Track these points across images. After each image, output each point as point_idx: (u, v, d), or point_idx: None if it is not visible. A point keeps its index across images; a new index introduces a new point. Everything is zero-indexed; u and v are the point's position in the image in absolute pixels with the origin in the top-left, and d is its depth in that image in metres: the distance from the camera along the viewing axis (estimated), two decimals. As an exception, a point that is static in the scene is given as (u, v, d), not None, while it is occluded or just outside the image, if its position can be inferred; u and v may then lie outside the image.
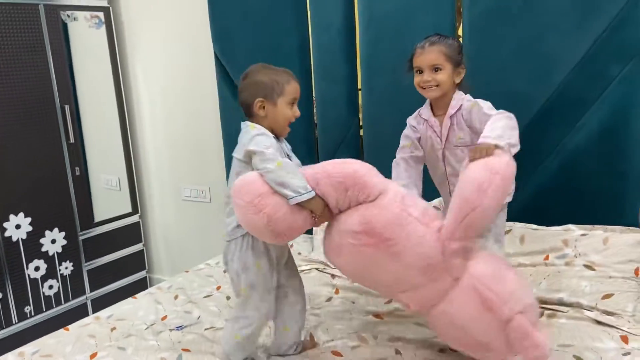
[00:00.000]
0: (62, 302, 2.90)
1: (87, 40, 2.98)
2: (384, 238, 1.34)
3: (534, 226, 2.05)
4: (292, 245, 2.40)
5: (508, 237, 2.01)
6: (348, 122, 2.51)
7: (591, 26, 1.90)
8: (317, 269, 2.33)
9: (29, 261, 2.73)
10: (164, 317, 1.98)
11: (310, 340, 1.75)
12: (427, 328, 1.78)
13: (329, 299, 2.08)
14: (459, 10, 2.14)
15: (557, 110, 2.01)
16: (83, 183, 2.97)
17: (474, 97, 1.64)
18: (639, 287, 1.78)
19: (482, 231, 1.41)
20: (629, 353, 1.54)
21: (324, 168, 1.44)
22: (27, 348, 1.79)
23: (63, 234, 2.87)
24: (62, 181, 2.87)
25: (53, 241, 2.83)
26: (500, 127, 1.39)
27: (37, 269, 2.76)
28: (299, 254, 2.45)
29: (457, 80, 1.61)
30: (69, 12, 2.85)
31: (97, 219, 3.06)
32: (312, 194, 1.38)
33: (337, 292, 2.13)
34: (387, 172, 2.36)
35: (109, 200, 3.19)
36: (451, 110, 1.59)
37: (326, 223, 1.50)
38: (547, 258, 1.95)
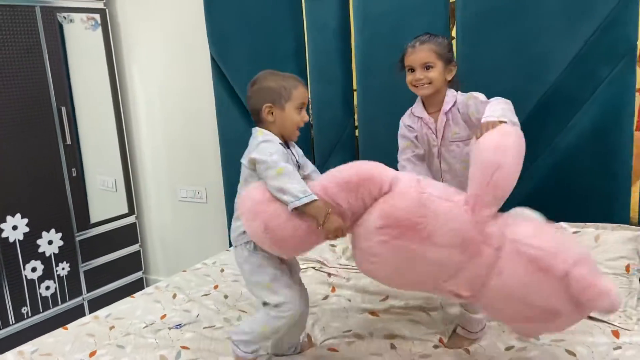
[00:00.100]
0: (59, 302, 2.90)
1: (83, 42, 2.99)
2: (411, 224, 1.28)
3: (527, 224, 2.07)
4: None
5: (502, 235, 2.04)
6: (344, 123, 2.53)
7: (582, 28, 1.93)
8: (313, 267, 2.35)
9: (26, 262, 2.74)
10: (163, 316, 1.99)
11: (308, 341, 1.76)
12: (423, 325, 1.81)
13: (326, 297, 2.10)
14: (452, 11, 2.17)
15: (549, 110, 2.04)
16: (79, 184, 2.98)
17: (467, 96, 1.67)
18: (630, 283, 1.82)
19: (509, 192, 1.32)
20: (620, 347, 1.57)
21: (329, 173, 1.42)
22: (27, 347, 1.80)
23: (60, 234, 2.88)
24: (59, 182, 2.88)
25: (50, 242, 2.84)
26: (501, 109, 1.42)
27: (34, 269, 2.77)
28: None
29: (449, 78, 1.64)
30: (65, 14, 2.86)
31: (93, 220, 3.07)
32: (312, 197, 1.34)
33: (333, 290, 2.16)
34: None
35: (105, 202, 3.20)
36: (446, 106, 1.62)
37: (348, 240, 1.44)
38: (540, 255, 1.98)
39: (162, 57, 3.09)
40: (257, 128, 1.53)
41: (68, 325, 1.94)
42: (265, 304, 1.53)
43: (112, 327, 1.92)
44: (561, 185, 2.07)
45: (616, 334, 1.65)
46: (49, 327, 2.21)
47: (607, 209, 2.02)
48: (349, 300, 2.06)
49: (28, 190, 2.73)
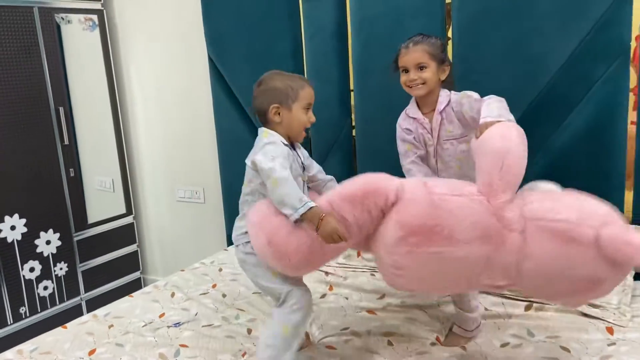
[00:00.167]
0: (57, 302, 2.91)
1: (81, 43, 3.00)
2: (428, 228, 1.26)
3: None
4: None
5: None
6: (341, 123, 2.55)
7: (576, 28, 1.95)
8: (311, 267, 2.36)
9: (24, 262, 2.74)
10: (162, 315, 2.01)
11: (306, 339, 1.77)
12: (420, 322, 1.82)
13: (323, 296, 2.11)
14: (448, 13, 2.19)
15: (543, 110, 2.06)
16: (77, 184, 2.99)
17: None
18: (624, 281, 1.84)
19: (521, 178, 1.31)
20: (614, 343, 1.60)
21: (335, 190, 1.40)
22: (26, 346, 1.81)
23: (58, 235, 2.89)
24: (57, 182, 2.88)
25: (48, 242, 2.85)
26: (497, 107, 1.44)
27: (32, 269, 2.78)
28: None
29: (442, 77, 1.66)
30: (63, 15, 2.87)
31: (91, 220, 3.08)
32: (308, 205, 1.31)
33: (330, 289, 2.17)
34: (381, 171, 2.40)
35: (103, 202, 3.21)
36: (440, 105, 1.64)
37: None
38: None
39: (160, 58, 3.10)
40: (263, 129, 1.52)
41: (67, 324, 1.95)
42: (279, 302, 1.50)
43: (111, 326, 1.93)
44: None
45: (610, 330, 1.67)
46: (47, 327, 2.21)
47: (601, 207, 2.04)
48: (347, 299, 2.07)
49: (26, 190, 2.74)
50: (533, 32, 2.02)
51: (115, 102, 3.19)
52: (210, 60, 2.79)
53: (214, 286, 2.26)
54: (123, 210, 3.28)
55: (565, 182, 2.08)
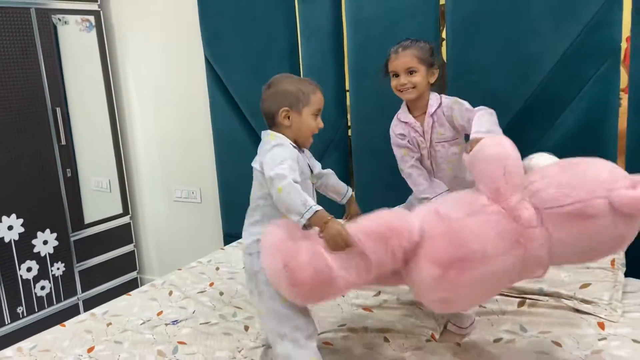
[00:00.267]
0: (54, 302, 2.92)
1: (78, 44, 3.01)
2: (462, 256, 1.26)
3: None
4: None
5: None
6: (337, 123, 2.57)
7: (568, 29, 1.99)
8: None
9: (21, 262, 2.75)
10: (160, 313, 2.02)
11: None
12: (415, 319, 1.85)
13: (320, 294, 2.13)
14: (442, 14, 2.22)
15: (536, 109, 2.09)
16: (74, 184, 3.00)
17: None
18: (615, 277, 1.87)
19: (523, 179, 1.33)
20: (605, 338, 1.62)
21: (358, 221, 1.35)
22: (25, 344, 1.82)
23: (55, 235, 2.90)
24: (54, 183, 2.90)
25: (45, 242, 2.86)
26: (487, 122, 1.48)
27: (29, 269, 2.79)
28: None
29: (432, 81, 1.68)
30: (60, 16, 2.89)
31: (88, 220, 3.09)
32: (313, 210, 1.25)
33: (327, 287, 2.19)
34: (378, 172, 2.42)
35: (99, 202, 3.22)
36: (431, 108, 1.67)
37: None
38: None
39: (157, 59, 3.11)
40: (268, 131, 1.48)
41: (66, 323, 1.97)
42: (280, 336, 1.40)
43: (109, 324, 1.94)
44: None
45: (601, 325, 1.70)
46: (45, 326, 2.22)
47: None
48: (343, 296, 2.09)
49: (23, 190, 2.75)
50: (526, 33, 2.05)
51: (112, 103, 3.20)
52: (207, 60, 2.81)
53: (211, 284, 2.27)
54: (120, 211, 3.30)
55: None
